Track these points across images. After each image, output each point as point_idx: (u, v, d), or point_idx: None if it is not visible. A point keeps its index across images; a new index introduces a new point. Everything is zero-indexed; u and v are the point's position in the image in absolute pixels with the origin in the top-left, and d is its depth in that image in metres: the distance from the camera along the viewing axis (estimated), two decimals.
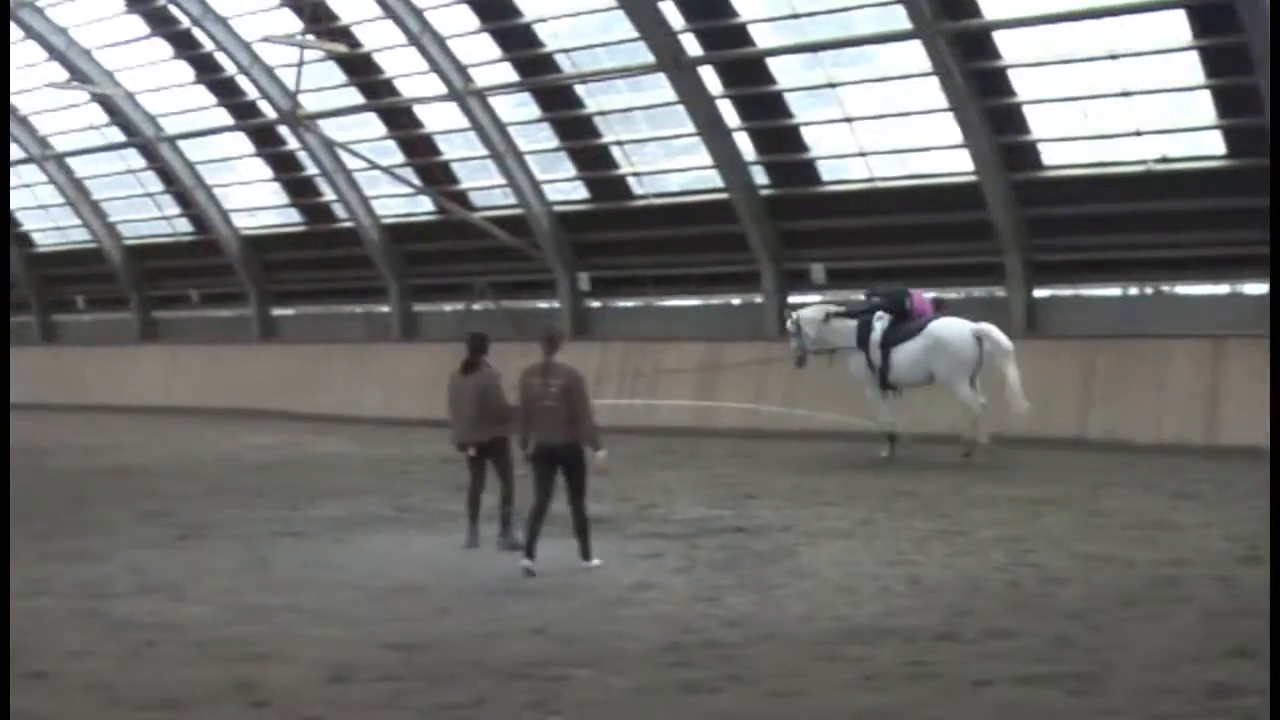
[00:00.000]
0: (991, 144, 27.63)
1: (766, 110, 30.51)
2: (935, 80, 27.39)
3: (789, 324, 26.02)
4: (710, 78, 30.36)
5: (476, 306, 37.17)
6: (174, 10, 36.01)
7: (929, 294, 25.52)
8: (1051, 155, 28.06)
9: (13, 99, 42.55)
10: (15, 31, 39.01)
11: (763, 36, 29.53)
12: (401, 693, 9.28)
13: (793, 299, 31.11)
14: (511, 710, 8.97)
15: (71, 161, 44.10)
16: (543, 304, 36.51)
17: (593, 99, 32.65)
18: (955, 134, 27.99)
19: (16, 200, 47.20)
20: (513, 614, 11.77)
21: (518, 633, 11.09)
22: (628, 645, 10.60)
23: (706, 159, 31.38)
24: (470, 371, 15.76)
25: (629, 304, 35.24)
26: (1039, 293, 28.94)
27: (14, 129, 43.16)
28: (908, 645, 10.50)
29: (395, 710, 8.98)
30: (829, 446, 25.40)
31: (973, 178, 28.26)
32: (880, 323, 24.49)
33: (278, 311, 43.03)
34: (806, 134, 30.71)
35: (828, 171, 31.05)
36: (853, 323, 24.94)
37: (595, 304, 35.35)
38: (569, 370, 14.05)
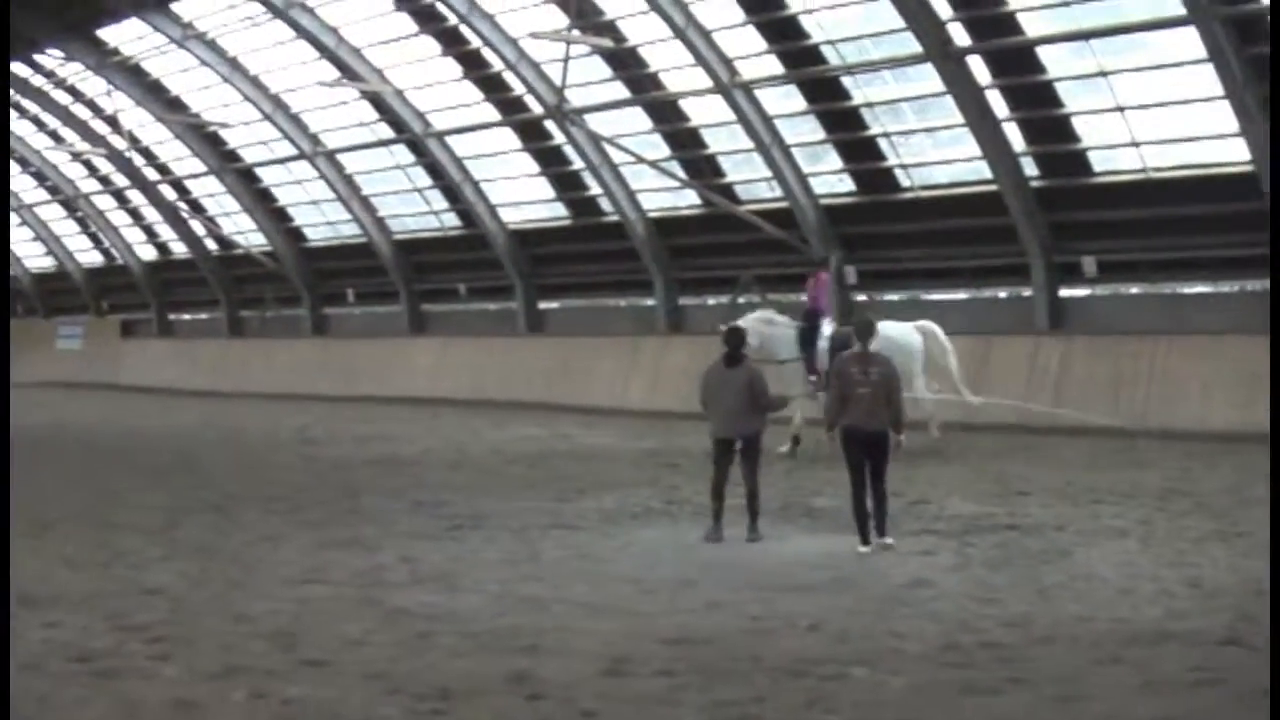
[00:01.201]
0: (1270, 132, 26.76)
1: (1036, 100, 29.95)
2: (1210, 67, 26.59)
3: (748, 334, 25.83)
4: (979, 67, 29.88)
5: (742, 300, 37.09)
6: (441, 8, 36.48)
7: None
8: None
9: (285, 96, 43.58)
10: (286, 31, 39.91)
11: (1032, 24, 29.01)
12: (678, 688, 9.19)
13: (1062, 291, 30.55)
14: (790, 709, 8.81)
15: (342, 158, 44.99)
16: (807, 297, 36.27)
17: (859, 90, 32.38)
18: (1231, 122, 27.15)
19: (289, 196, 48.42)
20: (786, 610, 11.61)
21: (792, 629, 10.94)
22: (904, 644, 10.40)
23: (975, 150, 30.92)
24: (734, 365, 15.64)
25: (896, 297, 34.85)
26: None
27: (286, 126, 44.16)
28: (1191, 650, 10.13)
29: (672, 706, 8.88)
30: (1101, 443, 24.86)
31: (1249, 167, 27.36)
32: (827, 328, 24.99)
33: (544, 305, 43.45)
34: (1077, 124, 30.09)
35: (1099, 162, 30.40)
36: (792, 331, 25.30)
37: (862, 298, 35.03)
38: (885, 360, 15.08)
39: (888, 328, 24.07)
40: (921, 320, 25.84)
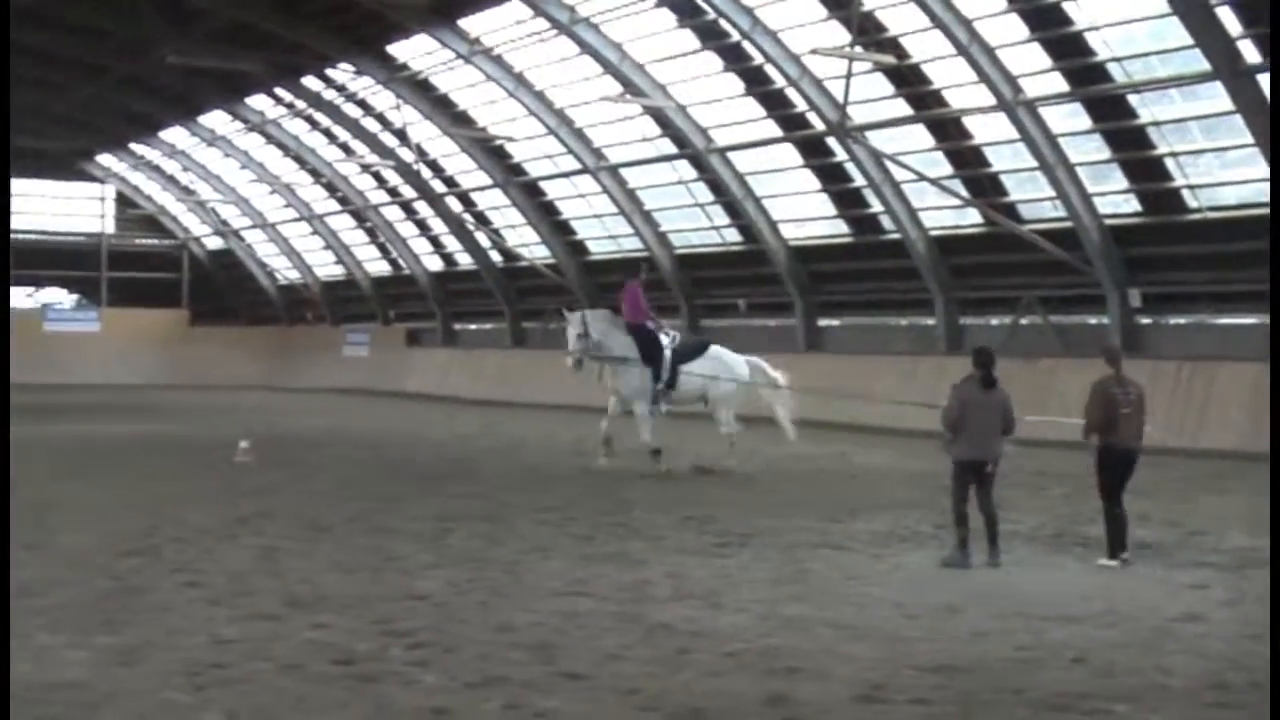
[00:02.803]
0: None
1: None
2: None
3: (575, 323, 25.51)
4: (1270, 86, 28.98)
5: (1024, 321, 36.56)
6: (724, 24, 36.52)
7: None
8: None
9: (569, 111, 44.00)
10: (571, 47, 40.32)
11: None
12: (934, 717, 9.05)
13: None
14: None
15: (625, 172, 45.33)
16: (1091, 319, 35.64)
17: (1146, 109, 31.64)
18: None
19: (572, 209, 48.93)
20: (1052, 641, 11.36)
21: (1056, 661, 10.68)
22: (1170, 680, 10.11)
23: (1264, 170, 29.99)
24: (990, 386, 15.49)
25: (1182, 321, 34.01)
26: None
27: (570, 141, 44.64)
28: None
29: None
30: None
31: None
32: (667, 338, 25.29)
33: (824, 322, 43.29)
34: None
35: None
36: (629, 338, 25.24)
37: (1146, 320, 34.25)
38: (1137, 383, 15.70)
39: (719, 350, 26.22)
40: (751, 356, 27.36)
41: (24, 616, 11.70)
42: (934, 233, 38.15)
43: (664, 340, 25.34)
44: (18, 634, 11.03)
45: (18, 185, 69.37)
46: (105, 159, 69.71)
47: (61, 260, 72.15)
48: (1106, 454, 15.30)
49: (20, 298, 72.57)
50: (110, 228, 72.96)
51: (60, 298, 75.80)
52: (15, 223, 69.67)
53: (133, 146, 66.43)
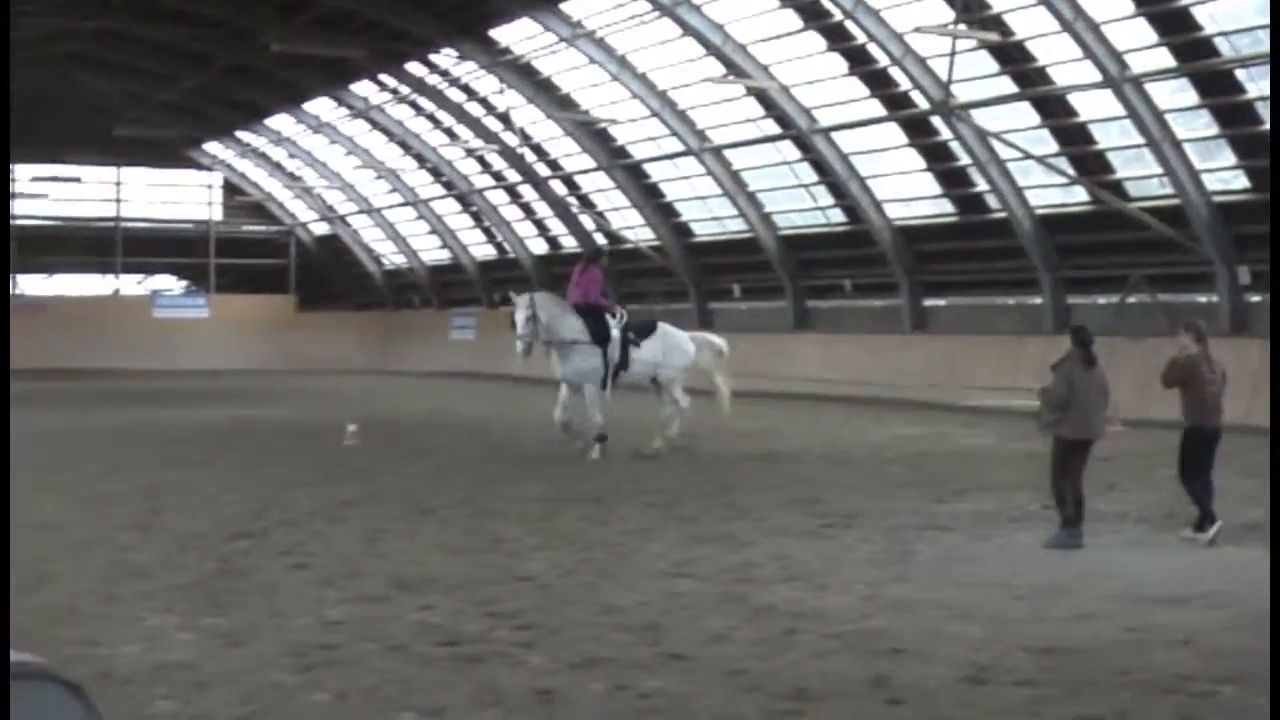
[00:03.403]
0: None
1: None
2: None
3: (523, 306, 24.64)
4: (1270, 86, 28.57)
5: (1131, 299, 36.23)
6: (827, 3, 36.38)
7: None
8: None
9: (672, 93, 43.97)
10: (673, 28, 40.29)
11: None
12: (1039, 699, 8.99)
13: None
14: None
15: (728, 154, 45.24)
16: (1200, 298, 35.22)
17: (1254, 83, 31.23)
18: None
19: (676, 191, 48.88)
20: (1160, 622, 11.24)
21: (1163, 643, 10.57)
22: None
23: None
24: (1092, 364, 15.39)
25: None
26: None
27: (673, 123, 44.61)
28: None
29: (1032, 718, 8.70)
30: None
31: None
32: (614, 319, 24.92)
33: (929, 302, 43.10)
34: None
35: None
36: (579, 320, 24.85)
37: (1255, 298, 33.84)
38: (1219, 360, 15.73)
39: (667, 328, 26.32)
40: (698, 332, 28.19)
41: (134, 599, 11.87)
42: (1040, 211, 37.86)
43: (611, 321, 25.05)
44: (128, 616, 11.22)
45: (126, 174, 70.36)
46: (212, 147, 70.32)
47: (170, 247, 72.95)
48: (1196, 435, 15.43)
49: (130, 285, 73.47)
50: (218, 215, 73.63)
51: (169, 284, 76.60)
52: (125, 211, 70.79)
53: (239, 134, 66.98)
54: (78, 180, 69.84)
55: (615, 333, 24.97)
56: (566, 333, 24.77)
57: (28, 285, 69.53)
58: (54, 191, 69.45)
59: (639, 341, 25.34)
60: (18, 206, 67.65)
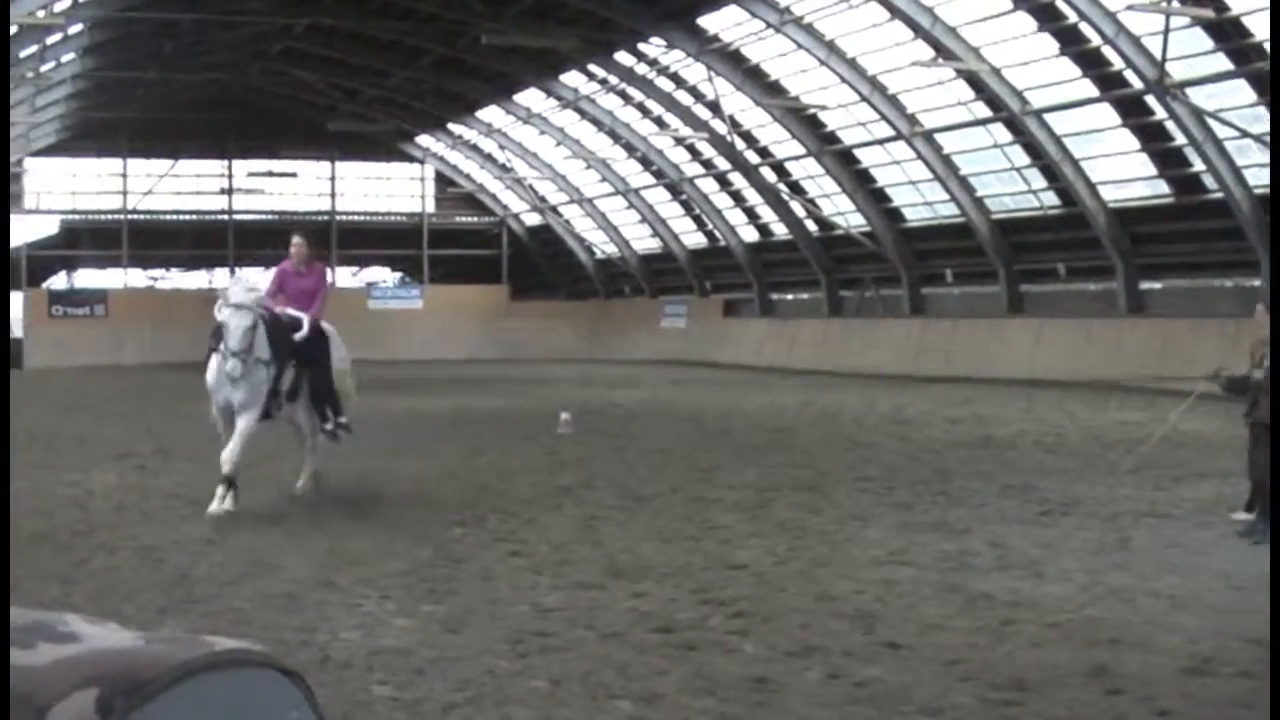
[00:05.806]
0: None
1: None
2: None
3: (247, 310, 16.69)
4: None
5: None
6: None
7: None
8: None
9: (882, 78, 43.70)
10: (881, 12, 40.03)
11: None
12: (1260, 691, 8.79)
13: None
14: None
15: (939, 137, 44.91)
16: None
17: None
18: None
19: (887, 176, 48.63)
20: None
21: None
22: None
23: None
24: None
25: None
26: None
27: (883, 107, 44.35)
28: None
29: (1251, 710, 8.52)
30: None
31: None
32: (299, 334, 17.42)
33: (1145, 285, 42.40)
34: None
35: None
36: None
37: None
38: None
39: (335, 333, 18.89)
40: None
41: (353, 585, 12.07)
42: (1259, 191, 37.02)
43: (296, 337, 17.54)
44: (347, 602, 11.42)
45: (341, 168, 71.54)
46: (424, 139, 71.22)
47: (384, 239, 74.22)
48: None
49: (345, 277, 74.68)
50: (430, 207, 74.58)
51: (383, 276, 77.81)
52: (340, 205, 71.95)
53: (450, 126, 67.73)
54: (293, 175, 71.32)
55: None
56: (259, 350, 17.06)
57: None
58: (269, 186, 71.00)
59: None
60: (236, 202, 69.24)
